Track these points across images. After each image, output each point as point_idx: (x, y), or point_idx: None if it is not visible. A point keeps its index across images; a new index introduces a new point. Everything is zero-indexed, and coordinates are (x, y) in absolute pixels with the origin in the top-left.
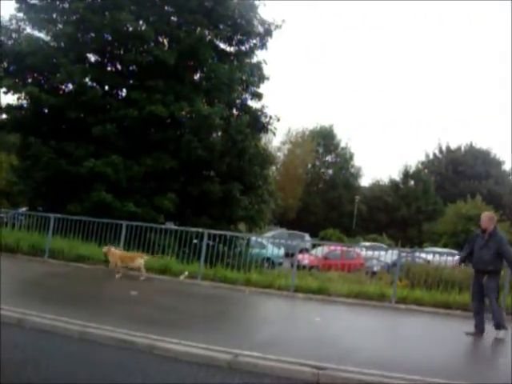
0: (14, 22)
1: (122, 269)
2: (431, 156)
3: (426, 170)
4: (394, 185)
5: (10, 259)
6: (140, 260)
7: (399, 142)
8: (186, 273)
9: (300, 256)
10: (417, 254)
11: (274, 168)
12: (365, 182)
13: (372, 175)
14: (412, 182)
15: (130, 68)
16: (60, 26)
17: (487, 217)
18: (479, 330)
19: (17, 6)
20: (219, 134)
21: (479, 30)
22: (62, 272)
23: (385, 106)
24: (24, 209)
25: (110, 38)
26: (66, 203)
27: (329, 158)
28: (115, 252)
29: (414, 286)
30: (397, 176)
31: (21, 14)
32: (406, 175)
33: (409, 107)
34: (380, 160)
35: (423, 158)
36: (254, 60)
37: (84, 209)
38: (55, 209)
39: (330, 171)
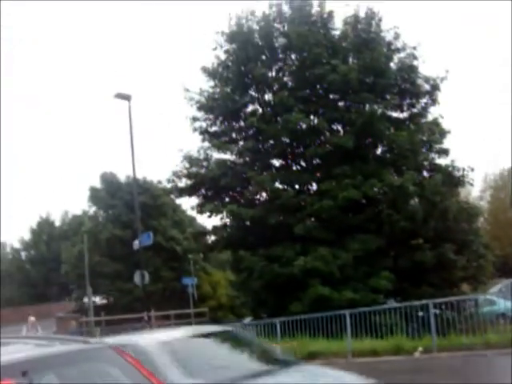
0: (201, 152)
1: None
2: None
3: None
4: None
5: None
6: None
7: None
8: (420, 348)
9: None
10: None
11: (481, 219)
12: None
13: None
14: None
15: (314, 162)
16: (241, 142)
17: None
18: None
19: (201, 137)
20: (416, 200)
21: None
22: None
23: None
24: (249, 319)
25: (287, 141)
26: (287, 305)
27: None
28: None
29: None
30: None
31: (206, 143)
32: None
33: None
34: None
35: None
36: (430, 118)
37: (304, 306)
38: (277, 313)
39: None
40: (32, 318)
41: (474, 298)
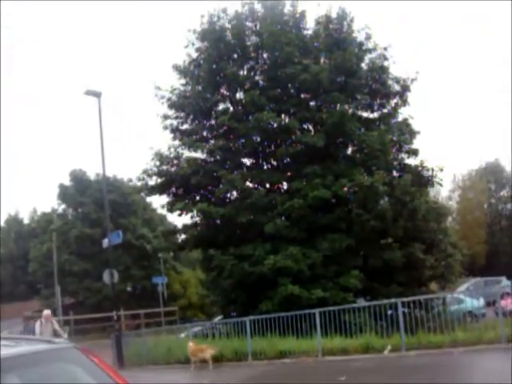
0: (172, 150)
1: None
2: None
3: None
4: None
5: (216, 368)
6: (210, 351)
7: None
8: (389, 347)
9: (503, 302)
10: None
11: (450, 219)
12: None
13: None
14: None
15: (285, 161)
16: (212, 141)
17: None
18: None
19: (171, 135)
20: (386, 200)
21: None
22: (269, 370)
23: None
24: (219, 317)
25: (258, 140)
26: (257, 303)
27: (503, 193)
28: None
29: None
30: None
31: (177, 142)
32: None
33: None
34: None
35: None
36: (400, 118)
37: (275, 305)
38: (248, 311)
39: (509, 206)
40: (47, 312)
41: (442, 297)
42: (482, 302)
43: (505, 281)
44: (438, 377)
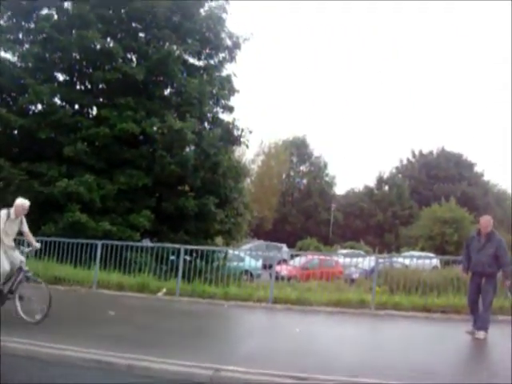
0: None
1: None
2: (405, 161)
3: (399, 175)
4: (368, 191)
5: None
6: None
7: (372, 150)
8: (164, 290)
9: (278, 267)
10: (394, 259)
11: (248, 180)
12: (340, 190)
13: (347, 184)
14: (386, 188)
15: (100, 86)
16: (27, 46)
17: (487, 220)
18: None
19: None
20: (192, 148)
21: (447, 34)
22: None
23: (357, 114)
24: None
25: (77, 57)
26: (40, 225)
27: (303, 168)
28: None
29: (393, 291)
30: (371, 182)
31: None
32: (381, 181)
33: (381, 115)
34: (354, 168)
35: (397, 164)
36: (224, 73)
37: (58, 230)
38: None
39: (305, 181)
40: (23, 202)
41: (224, 252)
42: (260, 263)
43: (285, 248)
44: (207, 322)
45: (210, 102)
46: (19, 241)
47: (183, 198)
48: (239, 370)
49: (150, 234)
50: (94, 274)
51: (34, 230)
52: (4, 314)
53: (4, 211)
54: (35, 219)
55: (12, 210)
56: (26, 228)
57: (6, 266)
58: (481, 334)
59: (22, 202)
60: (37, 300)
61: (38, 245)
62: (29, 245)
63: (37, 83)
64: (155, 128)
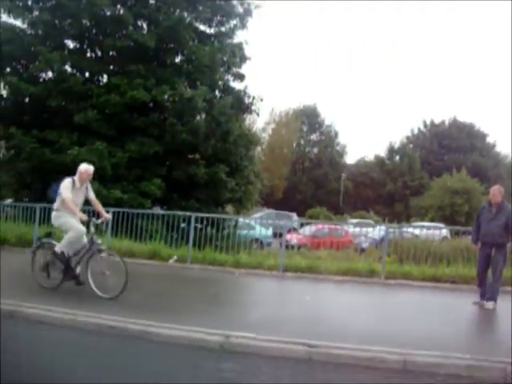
0: None
1: None
2: (416, 131)
3: (411, 145)
4: (379, 161)
5: None
6: None
7: (384, 119)
8: (175, 257)
9: (288, 236)
10: (404, 229)
11: (259, 149)
12: (350, 159)
13: (357, 153)
14: (397, 158)
15: (110, 53)
16: (36, 13)
17: (497, 190)
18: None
19: None
20: (203, 116)
21: (456, 7)
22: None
23: (369, 82)
24: (10, 200)
25: (88, 24)
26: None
27: (313, 137)
28: None
29: (403, 261)
30: (382, 152)
31: None
32: (392, 151)
33: (393, 83)
34: (365, 138)
35: (408, 134)
36: (235, 41)
37: None
38: (41, 199)
39: (316, 150)
40: (87, 167)
41: (235, 220)
42: (270, 232)
43: (295, 217)
44: (218, 289)
45: (221, 70)
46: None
47: (194, 166)
48: (249, 336)
49: (160, 201)
50: (106, 240)
51: (46, 197)
52: (78, 290)
53: (68, 179)
54: (47, 187)
55: (76, 178)
56: (92, 195)
57: (82, 228)
58: (490, 305)
59: (86, 168)
60: (111, 274)
61: (108, 215)
62: (98, 216)
63: (47, 50)
64: (166, 96)
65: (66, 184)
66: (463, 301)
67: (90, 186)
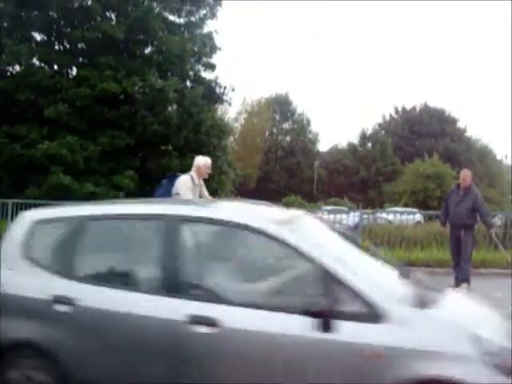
0: None
1: None
2: (387, 117)
3: (383, 132)
4: (352, 148)
5: None
6: None
7: (356, 106)
8: None
9: None
10: (378, 214)
11: (231, 138)
12: (323, 147)
13: (330, 141)
14: (370, 145)
15: (79, 45)
16: (1, 4)
17: (467, 174)
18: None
19: None
20: (174, 107)
21: None
22: None
23: (340, 69)
24: None
25: (55, 16)
26: (24, 188)
27: (286, 125)
28: None
29: (377, 247)
30: (355, 139)
31: None
32: (364, 138)
33: (363, 70)
34: (337, 125)
35: (380, 120)
36: (205, 30)
37: (42, 192)
38: (13, 194)
39: (288, 138)
40: (204, 159)
41: None
42: None
43: None
44: None
45: (192, 60)
46: None
47: (167, 157)
48: None
49: (134, 194)
50: None
51: (18, 191)
52: None
53: (185, 177)
54: (18, 182)
55: (193, 173)
56: (206, 193)
57: None
58: (463, 286)
59: (205, 160)
60: None
61: None
62: None
63: (14, 44)
64: (136, 87)
65: (185, 183)
66: (438, 284)
67: (202, 182)
